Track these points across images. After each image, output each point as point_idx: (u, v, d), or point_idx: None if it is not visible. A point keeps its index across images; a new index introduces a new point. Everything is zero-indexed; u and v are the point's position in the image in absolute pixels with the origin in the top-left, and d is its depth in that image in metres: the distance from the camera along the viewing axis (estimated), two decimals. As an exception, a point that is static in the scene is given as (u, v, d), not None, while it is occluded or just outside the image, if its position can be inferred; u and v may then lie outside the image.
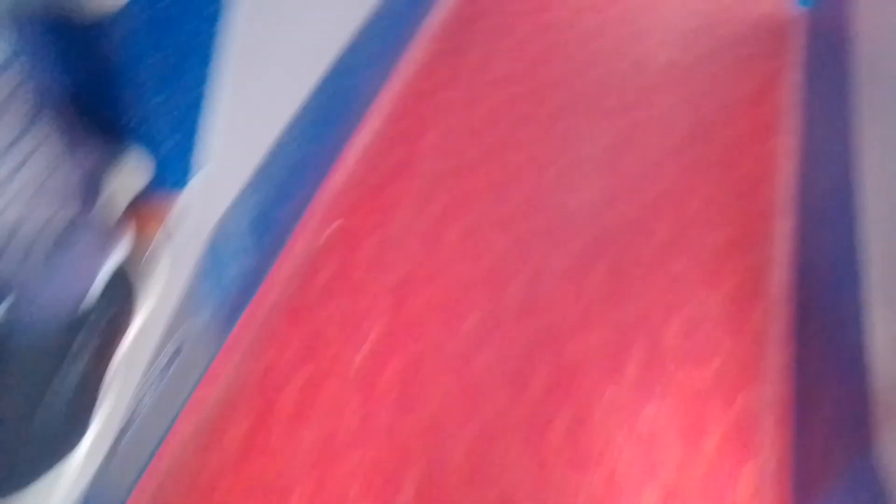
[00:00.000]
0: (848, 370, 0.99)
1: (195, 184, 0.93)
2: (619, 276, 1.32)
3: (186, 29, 0.84)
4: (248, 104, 1.05)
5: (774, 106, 1.70)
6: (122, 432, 0.80)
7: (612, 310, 1.27)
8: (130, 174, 0.80)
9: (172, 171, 0.89)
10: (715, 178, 1.51)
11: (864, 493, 0.80)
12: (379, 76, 1.64)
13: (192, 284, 0.95)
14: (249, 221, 1.13)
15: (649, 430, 1.11)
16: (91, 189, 0.68)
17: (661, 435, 1.11)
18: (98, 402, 0.73)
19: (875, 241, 1.10)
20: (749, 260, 1.34)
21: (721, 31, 1.90)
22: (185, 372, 1.01)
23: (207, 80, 0.89)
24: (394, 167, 1.51)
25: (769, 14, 1.99)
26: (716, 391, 1.16)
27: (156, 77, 0.80)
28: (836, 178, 1.34)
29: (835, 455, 0.92)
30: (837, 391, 1.01)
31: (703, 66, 1.80)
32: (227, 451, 1.06)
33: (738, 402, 1.15)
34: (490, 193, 1.47)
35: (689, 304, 1.27)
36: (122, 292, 0.73)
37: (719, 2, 2.01)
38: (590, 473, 1.06)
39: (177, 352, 0.95)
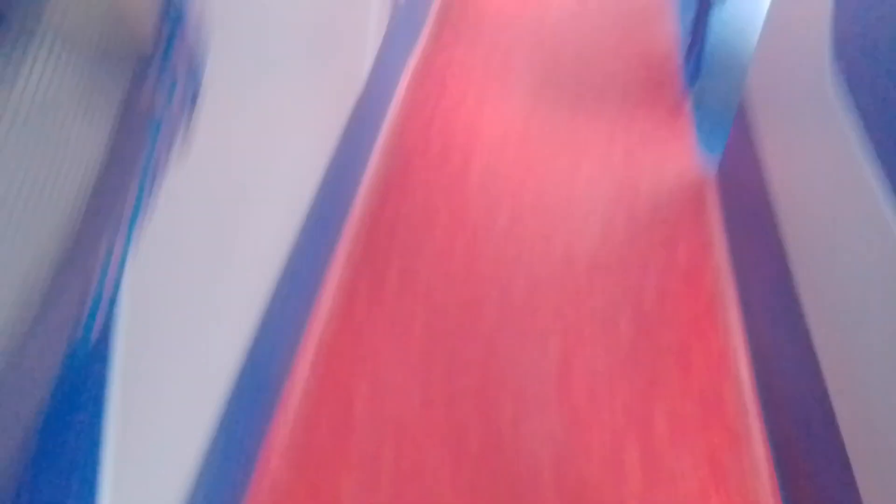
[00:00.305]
0: None
1: None
2: (602, 538, 1.19)
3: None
4: (148, 454, 0.88)
5: (711, 281, 1.66)
6: None
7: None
8: None
9: None
10: (672, 386, 1.43)
11: None
12: (298, 324, 1.50)
13: None
14: None
15: None
16: None
17: None
18: None
19: (860, 449, 1.02)
20: (734, 498, 1.23)
21: (640, 206, 1.89)
22: None
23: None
24: (329, 436, 1.35)
25: (680, 176, 2.00)
26: None
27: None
28: (795, 367, 1.28)
29: None
30: None
31: (630, 249, 1.76)
32: None
33: None
34: (441, 449, 1.33)
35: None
36: None
37: (630, 173, 2.01)
38: None
39: None
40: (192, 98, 0.65)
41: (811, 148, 1.33)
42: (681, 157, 2.07)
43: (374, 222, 1.84)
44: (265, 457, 1.29)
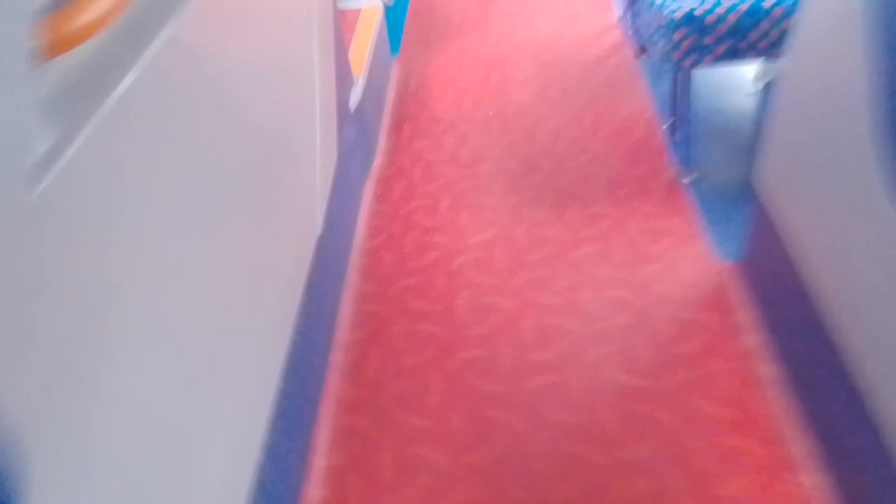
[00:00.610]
0: None
1: None
2: None
3: None
4: None
5: (765, 412, 1.39)
6: None
7: None
8: None
9: None
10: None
11: None
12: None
13: None
14: None
15: None
16: None
17: None
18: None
19: None
20: None
21: (658, 318, 1.63)
22: None
23: None
24: None
25: (694, 268, 1.75)
26: None
27: None
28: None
29: None
30: None
31: (660, 377, 1.49)
32: None
33: None
34: None
35: None
36: None
37: (638, 277, 1.75)
38: None
39: None
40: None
41: (865, 244, 1.09)
42: (689, 246, 1.82)
43: (355, 388, 1.56)
44: None
